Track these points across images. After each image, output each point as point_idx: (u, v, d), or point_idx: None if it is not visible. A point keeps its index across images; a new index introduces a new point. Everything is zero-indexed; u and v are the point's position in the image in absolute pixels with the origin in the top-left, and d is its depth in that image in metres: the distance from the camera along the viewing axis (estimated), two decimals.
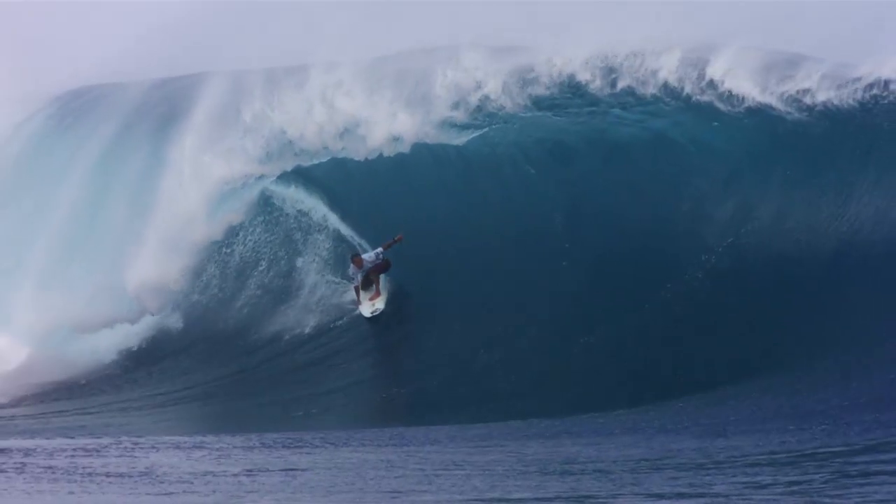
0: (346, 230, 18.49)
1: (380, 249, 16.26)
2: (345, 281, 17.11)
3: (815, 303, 13.59)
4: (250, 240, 19.34)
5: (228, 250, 19.38)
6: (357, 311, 16.46)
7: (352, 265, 16.26)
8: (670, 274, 15.01)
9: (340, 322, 16.97)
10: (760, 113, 16.42)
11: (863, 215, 14.59)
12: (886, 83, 15.43)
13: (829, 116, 15.75)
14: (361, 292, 16.30)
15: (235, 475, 8.78)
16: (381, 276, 16.35)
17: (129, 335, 18.52)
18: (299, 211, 19.36)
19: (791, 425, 9.92)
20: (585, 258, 15.78)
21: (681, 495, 6.88)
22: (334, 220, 18.74)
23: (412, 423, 12.61)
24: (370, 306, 16.15)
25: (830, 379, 11.82)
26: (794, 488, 6.84)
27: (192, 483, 8.16)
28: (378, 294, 16.26)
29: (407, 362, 15.89)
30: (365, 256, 16.17)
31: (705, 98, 16.90)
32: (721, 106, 16.79)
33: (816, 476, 7.17)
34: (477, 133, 18.33)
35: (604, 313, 14.91)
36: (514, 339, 15.03)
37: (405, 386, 14.93)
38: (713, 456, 8.40)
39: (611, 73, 17.89)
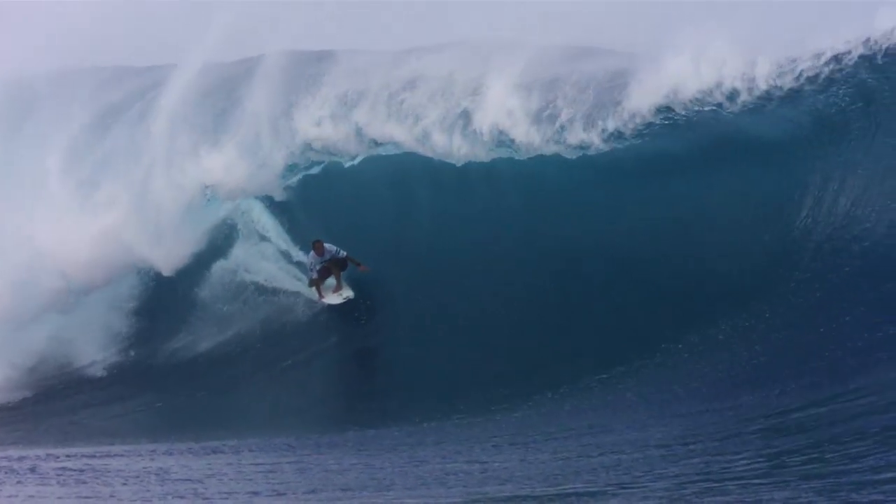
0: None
1: (343, 252, 15.76)
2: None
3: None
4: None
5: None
6: (317, 308, 16.15)
7: (312, 251, 15.75)
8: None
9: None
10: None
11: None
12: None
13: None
14: (322, 287, 16.04)
15: (249, 478, 8.75)
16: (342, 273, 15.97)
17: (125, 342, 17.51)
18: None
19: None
20: (570, 250, 15.24)
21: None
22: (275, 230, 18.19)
23: (422, 422, 12.47)
24: (337, 297, 15.94)
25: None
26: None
27: (202, 482, 8.12)
28: (341, 287, 15.94)
29: (392, 362, 15.48)
30: (327, 245, 15.84)
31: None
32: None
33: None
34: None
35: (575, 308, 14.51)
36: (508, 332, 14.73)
37: (399, 389, 14.58)
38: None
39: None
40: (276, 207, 18.18)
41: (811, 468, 6.97)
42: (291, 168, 18.30)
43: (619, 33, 16.25)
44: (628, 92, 15.47)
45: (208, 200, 18.25)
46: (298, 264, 17.15)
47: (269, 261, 17.79)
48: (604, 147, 15.62)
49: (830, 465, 6.96)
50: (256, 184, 17.92)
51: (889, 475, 6.48)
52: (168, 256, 17.35)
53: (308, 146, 18.25)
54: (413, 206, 16.97)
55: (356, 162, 18.08)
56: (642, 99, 15.36)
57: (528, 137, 16.26)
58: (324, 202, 18.02)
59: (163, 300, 17.75)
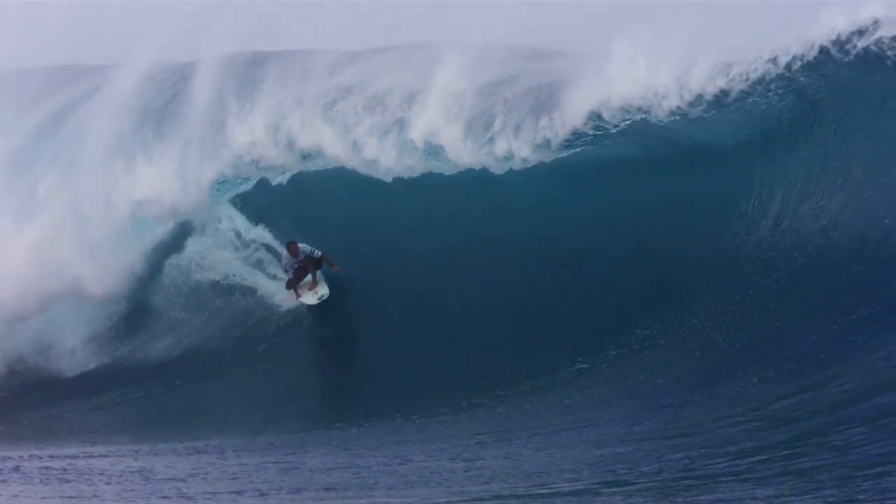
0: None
1: (318, 252, 15.83)
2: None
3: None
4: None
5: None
6: (293, 305, 16.07)
7: (286, 253, 15.77)
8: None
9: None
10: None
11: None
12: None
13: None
14: (297, 287, 16.01)
15: (233, 477, 8.72)
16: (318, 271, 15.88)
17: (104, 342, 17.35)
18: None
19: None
20: (556, 248, 15.22)
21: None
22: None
23: (405, 419, 12.49)
24: (313, 295, 15.90)
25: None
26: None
27: (185, 481, 8.10)
28: (317, 283, 15.85)
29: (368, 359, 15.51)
30: (301, 246, 15.83)
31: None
32: None
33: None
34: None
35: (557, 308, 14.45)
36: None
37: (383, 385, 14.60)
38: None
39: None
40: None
41: (794, 463, 7.01)
42: (221, 184, 18.13)
43: (571, 34, 16.27)
44: (566, 97, 15.36)
45: (138, 221, 17.75)
46: (270, 251, 17.25)
47: (240, 255, 17.78)
48: (531, 156, 15.64)
49: (814, 460, 7.00)
50: (187, 202, 17.51)
51: (873, 471, 6.52)
52: (103, 276, 16.76)
53: (240, 158, 17.90)
54: (363, 211, 17.04)
55: (285, 179, 18.03)
56: (578, 104, 15.20)
57: (461, 146, 16.10)
58: (269, 212, 18.03)
59: (145, 296, 17.76)
